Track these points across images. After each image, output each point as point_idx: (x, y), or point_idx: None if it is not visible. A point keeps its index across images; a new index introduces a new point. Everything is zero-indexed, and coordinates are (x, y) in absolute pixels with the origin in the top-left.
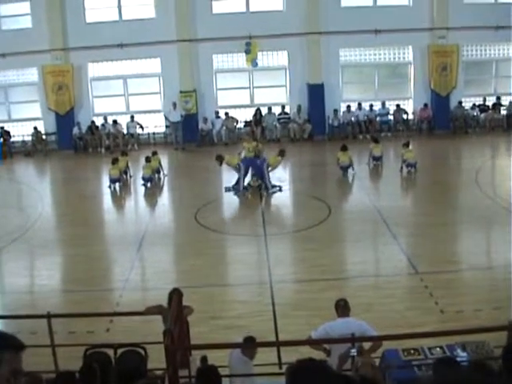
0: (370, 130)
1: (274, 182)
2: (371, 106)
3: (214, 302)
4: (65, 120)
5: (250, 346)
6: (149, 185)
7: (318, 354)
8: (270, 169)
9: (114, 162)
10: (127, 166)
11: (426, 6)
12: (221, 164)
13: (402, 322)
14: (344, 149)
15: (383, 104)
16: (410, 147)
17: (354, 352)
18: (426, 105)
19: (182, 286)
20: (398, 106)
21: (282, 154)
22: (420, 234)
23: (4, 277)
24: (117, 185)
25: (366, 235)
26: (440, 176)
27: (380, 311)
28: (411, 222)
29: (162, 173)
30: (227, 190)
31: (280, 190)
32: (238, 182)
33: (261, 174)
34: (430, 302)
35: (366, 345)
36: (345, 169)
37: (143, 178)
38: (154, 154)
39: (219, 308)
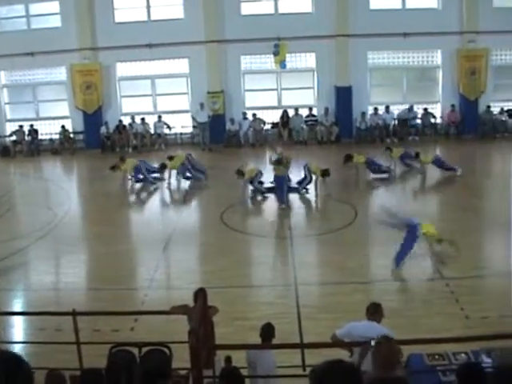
0: (398, 133)
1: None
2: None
3: (238, 302)
4: (92, 119)
5: (271, 346)
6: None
7: (339, 354)
8: (313, 177)
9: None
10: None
11: (455, 9)
12: (241, 176)
13: (426, 326)
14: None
15: (411, 107)
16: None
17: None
18: (453, 106)
19: (207, 287)
20: (425, 109)
21: (324, 174)
22: (446, 239)
23: (30, 274)
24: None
25: (391, 239)
26: (467, 181)
27: (405, 316)
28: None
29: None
30: (253, 191)
31: (306, 191)
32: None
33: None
34: (455, 308)
35: None
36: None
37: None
38: (171, 158)
39: (244, 309)
